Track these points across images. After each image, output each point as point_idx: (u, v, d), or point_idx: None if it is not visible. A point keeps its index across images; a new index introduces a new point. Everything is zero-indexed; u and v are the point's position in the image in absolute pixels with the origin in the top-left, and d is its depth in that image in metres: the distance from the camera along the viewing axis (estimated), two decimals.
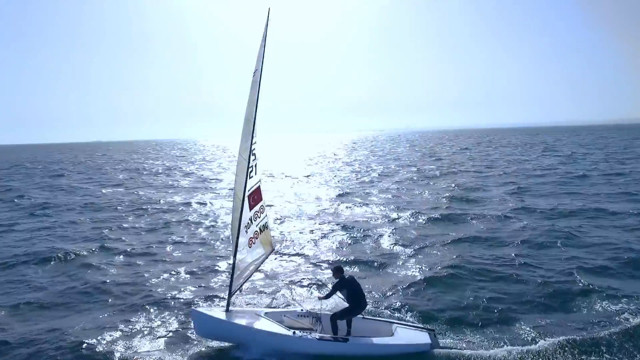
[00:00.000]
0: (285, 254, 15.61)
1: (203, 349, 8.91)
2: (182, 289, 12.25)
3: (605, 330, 9.28)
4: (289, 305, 10.37)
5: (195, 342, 9.11)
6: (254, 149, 8.96)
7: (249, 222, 9.12)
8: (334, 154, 79.82)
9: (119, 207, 26.74)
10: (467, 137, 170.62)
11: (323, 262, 14.52)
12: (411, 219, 20.38)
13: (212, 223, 21.26)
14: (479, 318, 10.09)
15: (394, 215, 21.50)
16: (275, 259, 15.01)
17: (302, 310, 9.20)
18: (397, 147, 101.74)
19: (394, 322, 8.95)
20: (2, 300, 11.64)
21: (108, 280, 13.03)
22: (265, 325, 8.40)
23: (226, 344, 8.81)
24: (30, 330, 9.82)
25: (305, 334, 8.33)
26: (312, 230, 18.83)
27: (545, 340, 8.91)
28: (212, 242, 17.71)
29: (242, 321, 8.48)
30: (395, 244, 16.38)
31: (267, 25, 8.32)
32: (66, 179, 47.32)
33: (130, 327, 9.92)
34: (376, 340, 8.39)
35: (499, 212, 21.21)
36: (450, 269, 13.02)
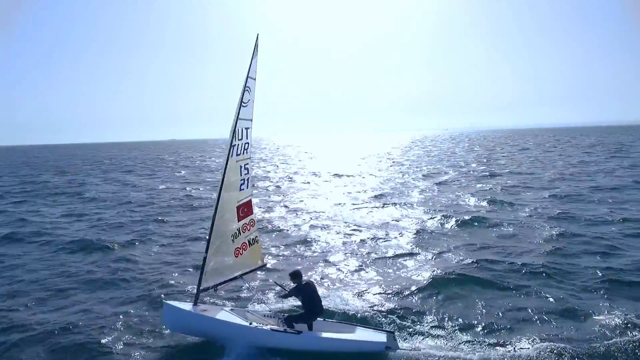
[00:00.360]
0: (300, 253, 16.13)
1: (203, 343, 9.24)
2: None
3: (612, 345, 8.75)
4: (261, 304, 10.66)
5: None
6: (247, 164, 9.50)
7: (237, 232, 9.52)
8: (388, 153, 79.06)
9: (171, 202, 28.90)
10: (535, 136, 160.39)
11: (336, 262, 14.76)
12: (441, 222, 19.93)
13: None
14: (477, 327, 9.88)
15: (425, 217, 21.19)
16: (291, 257, 15.61)
17: (269, 311, 9.49)
18: (456, 146, 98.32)
19: (356, 325, 8.99)
20: (48, 284, 13.21)
21: (137, 272, 14.21)
22: (225, 317, 8.77)
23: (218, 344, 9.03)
24: (57, 315, 11.02)
25: (260, 325, 8.64)
26: (338, 231, 19.09)
27: (537, 349, 8.65)
28: None
29: (204, 314, 8.83)
30: (417, 246, 16.25)
31: (255, 50, 8.84)
32: (133, 175, 51.53)
33: (145, 318, 10.64)
34: (329, 335, 8.47)
35: (540, 217, 20.15)
36: (466, 276, 12.70)
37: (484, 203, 24.32)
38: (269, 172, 50.81)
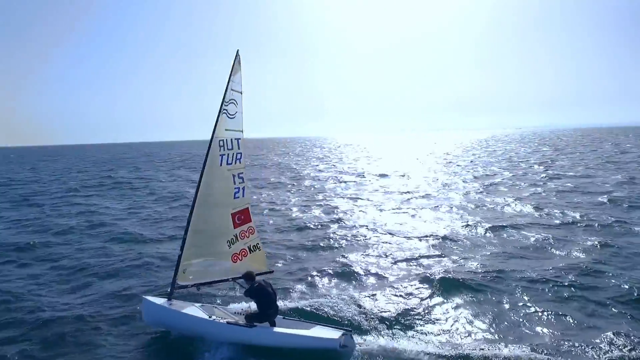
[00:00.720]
0: (320, 252, 16.38)
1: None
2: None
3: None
4: (235, 302, 10.90)
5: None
6: (241, 172, 9.97)
7: (234, 238, 9.92)
8: (446, 154, 76.52)
9: None
10: (616, 135, 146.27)
11: (351, 263, 14.74)
12: (476, 227, 18.99)
13: (278, 219, 23.01)
14: (473, 336, 9.60)
15: (461, 221, 20.43)
16: (308, 256, 15.92)
17: (242, 309, 9.72)
18: (522, 146, 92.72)
19: (315, 323, 9.06)
20: (89, 272, 14.60)
21: (168, 265, 15.03)
22: (190, 311, 9.19)
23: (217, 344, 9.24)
24: (81, 301, 12.22)
25: (218, 318, 8.93)
26: (364, 233, 19.03)
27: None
28: (266, 239, 18.37)
29: (172, 308, 9.30)
30: (441, 251, 15.81)
31: (237, 65, 9.26)
32: (197, 172, 54.71)
33: None
34: (282, 330, 8.60)
35: (589, 226, 18.62)
36: (484, 285, 12.26)
37: (530, 208, 22.91)
38: (322, 171, 51.52)
